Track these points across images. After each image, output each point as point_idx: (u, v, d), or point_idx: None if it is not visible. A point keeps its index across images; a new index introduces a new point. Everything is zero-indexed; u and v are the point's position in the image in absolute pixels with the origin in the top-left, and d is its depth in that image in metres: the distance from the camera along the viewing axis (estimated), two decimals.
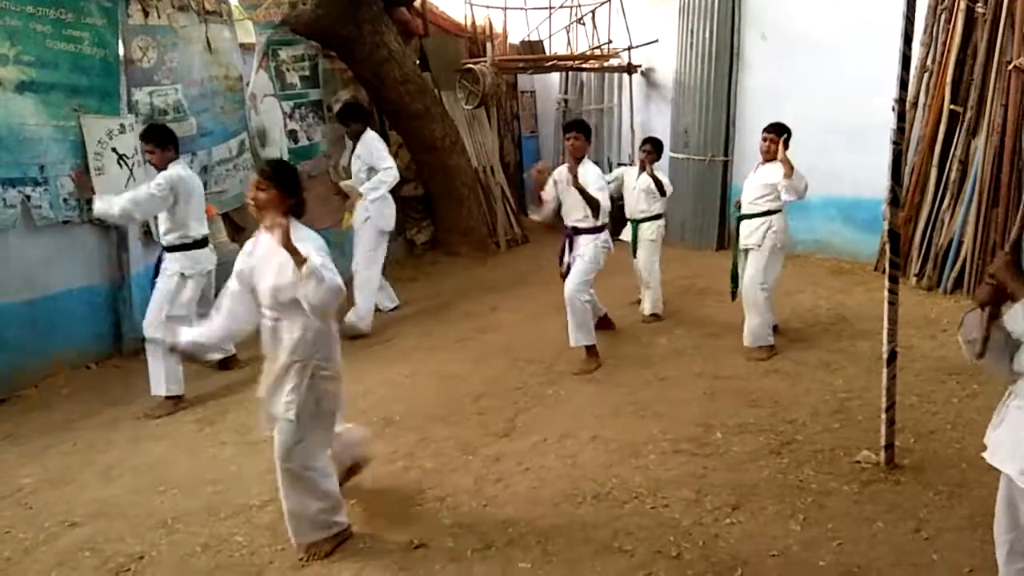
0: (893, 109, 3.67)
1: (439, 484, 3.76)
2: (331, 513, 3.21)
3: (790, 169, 5.12)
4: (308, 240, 3.02)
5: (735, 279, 5.67)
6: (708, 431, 4.21)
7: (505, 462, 3.96)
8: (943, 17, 6.86)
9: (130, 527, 3.47)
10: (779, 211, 5.38)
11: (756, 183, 5.46)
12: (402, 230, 9.19)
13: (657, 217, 6.37)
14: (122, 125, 5.67)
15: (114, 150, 5.60)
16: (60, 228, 5.36)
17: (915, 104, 7.11)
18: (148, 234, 6.05)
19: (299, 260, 2.86)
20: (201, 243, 5.08)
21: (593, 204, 5.12)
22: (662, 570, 2.95)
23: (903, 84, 3.64)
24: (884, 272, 7.34)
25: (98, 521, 3.53)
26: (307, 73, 7.86)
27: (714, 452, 3.97)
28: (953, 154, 6.73)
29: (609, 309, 6.11)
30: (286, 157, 7.50)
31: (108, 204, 4.74)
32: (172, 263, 4.96)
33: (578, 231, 5.33)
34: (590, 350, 5.34)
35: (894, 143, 3.69)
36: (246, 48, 7.17)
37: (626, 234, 6.49)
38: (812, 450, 3.92)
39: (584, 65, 9.99)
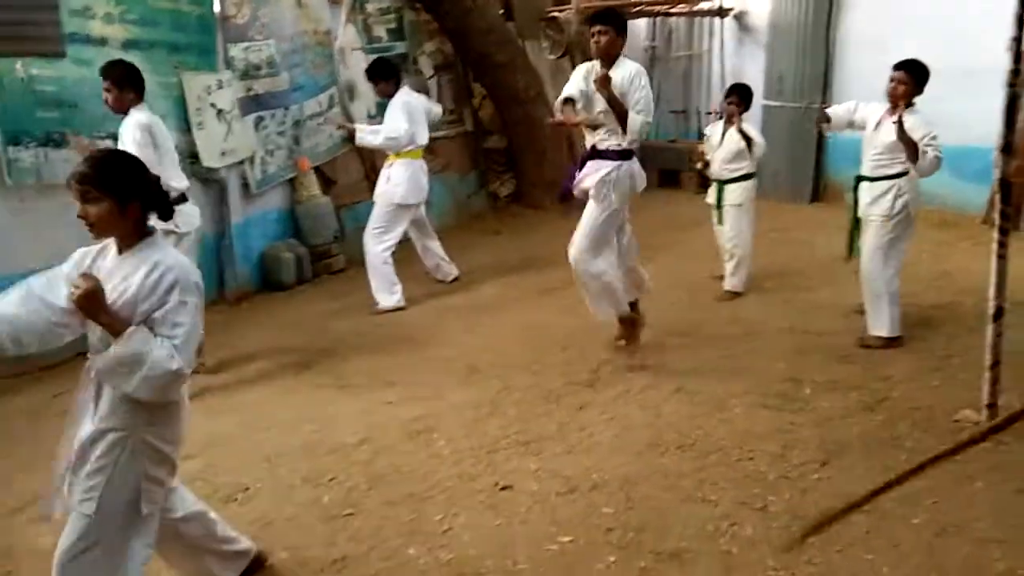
0: (1008, 49, 3.41)
1: (523, 430, 3.84)
2: None
3: (914, 150, 4.21)
4: (167, 270, 2.10)
5: (853, 241, 4.77)
6: (797, 386, 4.13)
7: (589, 411, 4.00)
8: None
9: (237, 461, 3.70)
10: (908, 172, 4.43)
11: (882, 138, 4.42)
12: (485, 183, 9.25)
13: (746, 177, 5.61)
14: (219, 81, 5.88)
15: (212, 105, 5.82)
16: None
17: None
18: (246, 186, 6.31)
19: (114, 331, 2.05)
20: (180, 199, 4.33)
21: (622, 116, 4.05)
22: (747, 521, 2.95)
23: (1020, 21, 3.38)
24: (993, 225, 6.99)
25: (208, 454, 3.78)
26: (393, 26, 7.91)
27: (802, 408, 3.90)
28: None
29: (681, 281, 5.88)
30: (373, 111, 7.60)
31: None
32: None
33: (596, 153, 4.22)
34: (624, 321, 4.43)
35: (1009, 86, 3.44)
36: (334, 2, 7.26)
37: (710, 197, 5.83)
38: (908, 408, 3.80)
39: (673, 9, 9.66)
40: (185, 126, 5.69)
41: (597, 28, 4.14)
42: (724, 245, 5.77)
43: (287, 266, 6.59)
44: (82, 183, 2.10)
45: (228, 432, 4.00)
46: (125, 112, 4.26)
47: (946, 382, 4.07)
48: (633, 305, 4.71)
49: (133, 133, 4.16)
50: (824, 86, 8.58)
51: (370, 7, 7.63)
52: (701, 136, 5.69)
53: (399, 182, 5.86)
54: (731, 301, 5.65)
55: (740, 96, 5.61)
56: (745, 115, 5.61)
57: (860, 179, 4.64)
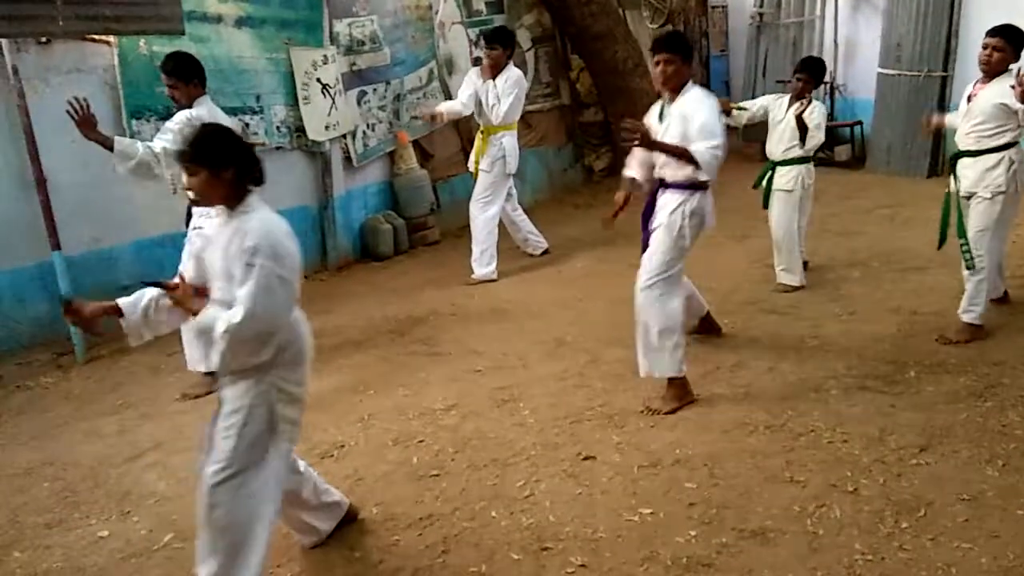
0: None
1: (608, 403, 3.85)
2: None
3: None
4: (251, 235, 2.27)
5: (944, 229, 4.42)
6: (900, 369, 3.95)
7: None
8: None
9: (333, 420, 3.89)
10: (1016, 143, 4.06)
11: (982, 106, 4.08)
12: (580, 156, 9.20)
13: (802, 160, 5.08)
14: (325, 56, 6.08)
15: (318, 80, 6.03)
16: (274, 153, 5.90)
17: None
18: (348, 159, 6.52)
19: (192, 311, 2.34)
20: None
21: (685, 156, 3.49)
22: (836, 503, 2.86)
23: None
24: None
25: (306, 413, 3.97)
26: None
27: (905, 391, 3.73)
28: None
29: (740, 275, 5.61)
30: None
31: (131, 148, 3.95)
32: (202, 221, 3.83)
33: (665, 184, 3.73)
34: (673, 382, 3.74)
35: None
36: None
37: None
38: (1020, 395, 3.57)
39: None
40: (292, 100, 5.93)
41: (663, 57, 3.57)
42: (772, 232, 5.25)
43: (385, 237, 6.80)
44: (181, 159, 2.34)
45: (326, 393, 4.19)
46: (191, 106, 4.03)
47: None
48: (708, 322, 4.52)
49: (174, 122, 3.97)
50: (946, 53, 8.03)
51: None
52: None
53: (509, 152, 5.96)
54: (837, 277, 5.41)
55: (811, 72, 5.07)
56: (813, 92, 5.14)
57: (959, 155, 4.29)
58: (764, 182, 5.27)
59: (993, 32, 4.10)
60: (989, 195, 4.14)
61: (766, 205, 5.28)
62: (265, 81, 5.73)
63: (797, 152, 5.06)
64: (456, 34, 7.61)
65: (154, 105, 5.05)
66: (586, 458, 3.32)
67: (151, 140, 4.08)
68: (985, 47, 4.12)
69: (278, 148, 5.94)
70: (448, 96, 7.47)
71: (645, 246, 3.79)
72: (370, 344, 4.94)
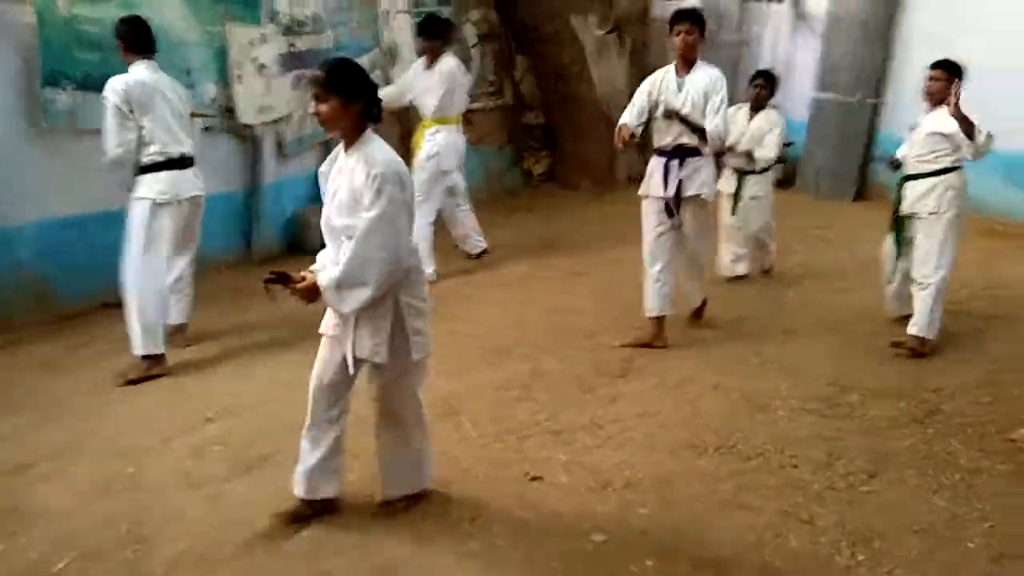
0: None
1: (553, 418, 3.70)
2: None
3: (970, 126, 4.04)
4: (377, 163, 2.46)
5: (897, 255, 4.57)
6: (843, 392, 3.95)
7: (621, 403, 3.85)
8: None
9: (256, 429, 3.60)
10: (958, 168, 4.32)
11: (926, 134, 4.33)
12: (520, 159, 9.06)
13: (766, 169, 5.48)
14: (263, 35, 5.74)
15: (254, 60, 5.68)
16: (201, 133, 5.50)
17: None
18: (280, 145, 6.18)
19: (311, 300, 2.58)
20: (177, 162, 4.16)
21: (699, 131, 4.11)
22: (792, 533, 2.79)
23: None
24: None
25: (230, 419, 3.68)
26: None
27: (849, 414, 3.72)
28: None
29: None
30: None
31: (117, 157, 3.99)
32: (139, 187, 4.08)
33: (686, 151, 4.20)
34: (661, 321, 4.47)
35: None
36: None
37: (725, 185, 5.46)
38: (960, 423, 3.61)
39: None
40: (224, 79, 5.55)
41: (684, 27, 4.12)
42: (745, 236, 5.63)
43: (316, 231, 6.44)
44: (316, 84, 2.51)
45: (249, 399, 3.90)
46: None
47: (999, 399, 3.86)
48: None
49: (103, 95, 3.95)
50: (880, 80, 8.27)
51: None
52: None
53: (442, 148, 5.69)
54: (773, 296, 5.45)
55: (766, 80, 5.46)
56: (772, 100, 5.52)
57: (906, 179, 4.50)
58: (733, 190, 5.49)
59: (937, 65, 4.32)
60: (930, 215, 4.34)
61: (734, 213, 5.49)
62: (197, 55, 5.33)
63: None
64: (401, 23, 7.34)
65: (72, 73, 4.61)
66: (534, 479, 3.16)
67: (64, 109, 3.75)
68: (930, 79, 4.33)
69: (206, 129, 5.54)
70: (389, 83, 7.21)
71: (668, 210, 4.31)
72: (294, 345, 4.62)
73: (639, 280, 4.55)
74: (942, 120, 4.21)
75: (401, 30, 7.35)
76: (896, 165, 4.69)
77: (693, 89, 4.18)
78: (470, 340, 4.66)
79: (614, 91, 9.30)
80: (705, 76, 4.21)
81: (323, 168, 2.70)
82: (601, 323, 4.89)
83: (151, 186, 4.08)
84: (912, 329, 4.39)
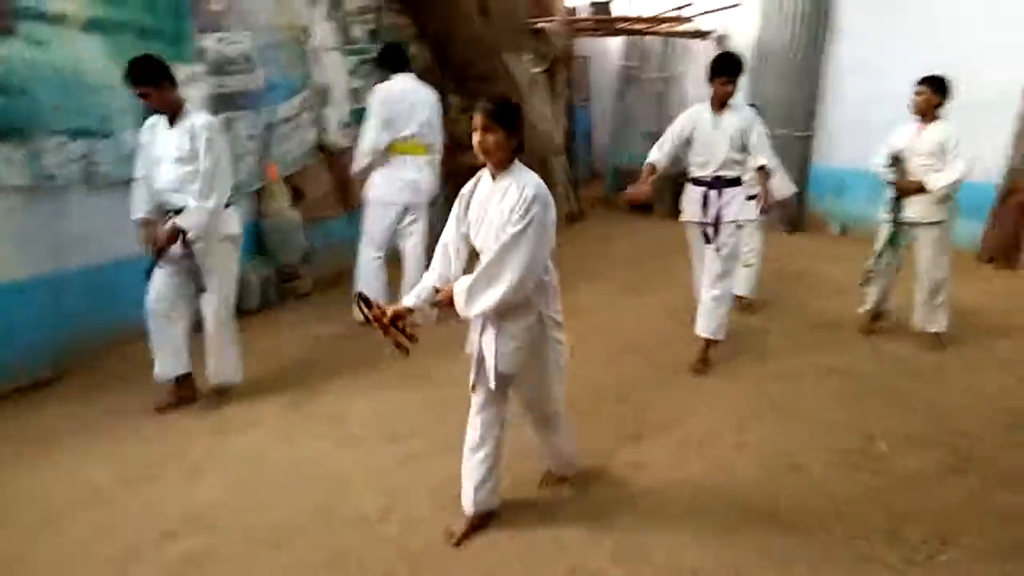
0: None
1: (581, 494, 3.28)
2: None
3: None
4: (528, 186, 2.68)
5: (881, 263, 4.97)
6: (868, 442, 3.72)
7: (649, 471, 3.47)
8: None
9: (233, 539, 3.00)
10: None
11: (927, 146, 4.65)
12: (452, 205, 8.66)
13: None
14: (191, 75, 5.12)
15: None
16: (124, 187, 4.82)
17: None
18: None
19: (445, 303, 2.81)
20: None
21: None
22: None
23: None
24: (989, 261, 6.88)
25: (197, 531, 3.07)
26: (372, 27, 7.27)
27: (886, 468, 3.48)
28: None
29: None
30: (346, 120, 6.99)
31: (195, 217, 3.84)
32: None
33: (726, 182, 4.54)
34: (711, 345, 4.68)
35: None
36: None
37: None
38: (1000, 471, 3.42)
39: (659, 29, 9.35)
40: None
41: (725, 79, 4.41)
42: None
43: (252, 289, 5.85)
44: (487, 115, 2.68)
45: (216, 499, 3.29)
46: (180, 107, 3.86)
47: None
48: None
49: (207, 133, 3.83)
50: (810, 114, 8.40)
51: (348, 4, 6.98)
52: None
53: (375, 184, 5.34)
54: (756, 334, 5.24)
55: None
56: None
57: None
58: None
59: (924, 81, 4.72)
60: (938, 222, 4.74)
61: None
62: (116, 99, 4.69)
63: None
64: (332, 61, 6.86)
65: None
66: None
67: None
68: (918, 93, 4.72)
69: (129, 181, 4.86)
70: (321, 128, 6.71)
71: (706, 237, 4.59)
72: (259, 426, 4.03)
73: (613, 326, 4.25)
74: (942, 133, 4.63)
75: (333, 69, 6.87)
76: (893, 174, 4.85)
77: (731, 125, 4.50)
78: (456, 404, 4.20)
79: (548, 128, 9.12)
80: (742, 114, 4.55)
81: (464, 191, 2.91)
82: (595, 378, 4.52)
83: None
84: (932, 327, 4.90)
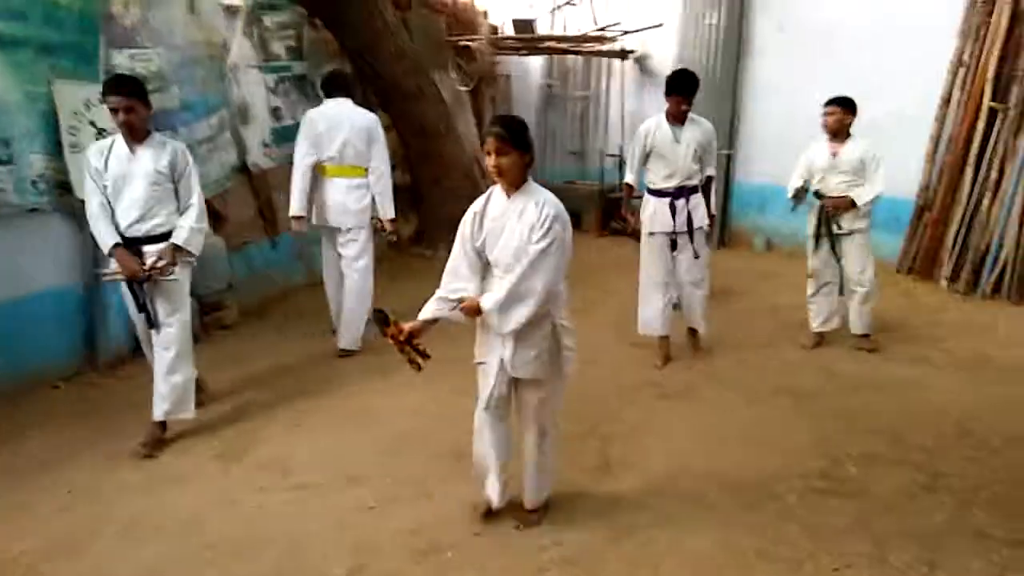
0: None
1: (559, 542, 3.09)
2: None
3: None
4: (547, 205, 2.82)
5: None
6: (836, 464, 3.70)
7: (626, 510, 3.32)
8: (983, 10, 6.59)
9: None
10: None
11: (847, 164, 4.98)
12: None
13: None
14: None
15: (92, 123, 4.61)
16: (28, 217, 4.37)
17: (948, 101, 6.86)
18: None
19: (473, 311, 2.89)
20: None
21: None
22: None
23: None
24: (908, 273, 7.14)
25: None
26: (292, 43, 6.94)
27: (859, 490, 3.46)
28: (993, 153, 6.49)
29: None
30: (268, 138, 6.64)
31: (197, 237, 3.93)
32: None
33: (690, 190, 4.83)
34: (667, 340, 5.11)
35: None
36: (229, 11, 6.21)
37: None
38: (969, 486, 3.46)
39: (583, 48, 9.36)
40: (55, 148, 4.45)
41: (680, 98, 4.67)
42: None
43: None
44: (499, 139, 2.77)
45: (157, 567, 2.93)
46: (146, 132, 3.76)
47: (984, 451, 3.78)
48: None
49: (187, 157, 3.87)
50: (730, 133, 8.57)
51: (267, 20, 6.63)
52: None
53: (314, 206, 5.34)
54: (699, 355, 5.22)
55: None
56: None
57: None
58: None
59: (833, 101, 5.01)
60: (861, 230, 5.06)
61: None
62: (18, 122, 4.22)
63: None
64: (251, 79, 6.48)
65: None
66: None
67: None
68: (829, 113, 5.01)
69: (34, 210, 4.40)
70: (241, 149, 6.33)
71: (673, 244, 4.87)
72: (194, 480, 3.65)
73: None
74: (858, 150, 4.97)
75: (252, 86, 6.49)
76: (799, 197, 5.15)
77: (692, 138, 4.76)
78: (425, 448, 3.95)
79: (474, 147, 8.96)
80: (701, 128, 4.84)
81: (474, 209, 2.95)
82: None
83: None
84: (859, 330, 5.22)
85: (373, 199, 5.32)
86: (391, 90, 7.54)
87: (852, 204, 4.97)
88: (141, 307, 3.78)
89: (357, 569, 2.93)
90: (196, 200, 3.84)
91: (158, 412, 3.90)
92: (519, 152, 2.80)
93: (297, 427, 4.20)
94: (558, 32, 9.71)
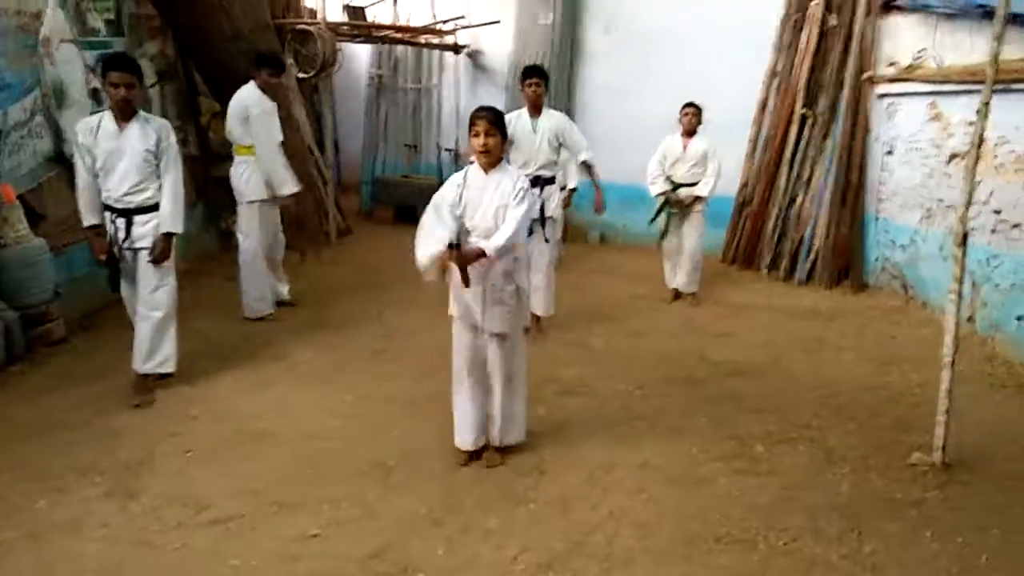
0: None
1: (538, 548, 3.03)
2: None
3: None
4: (520, 179, 3.46)
5: (667, 229, 6.47)
6: (742, 444, 3.98)
7: (577, 511, 3.32)
8: (795, 27, 7.38)
9: None
10: None
11: (693, 156, 6.18)
12: (215, 218, 7.70)
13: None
14: None
15: None
16: None
17: (764, 106, 7.62)
18: None
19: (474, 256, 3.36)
20: None
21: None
22: None
23: None
24: (732, 263, 7.83)
25: None
26: (111, 17, 6.12)
27: (774, 468, 3.73)
28: (804, 154, 7.30)
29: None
30: None
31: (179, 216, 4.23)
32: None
33: (545, 181, 5.29)
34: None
35: None
36: None
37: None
38: (858, 456, 3.85)
39: (417, 39, 9.17)
40: None
41: (534, 80, 5.16)
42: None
43: None
44: (489, 123, 3.37)
45: None
46: (134, 109, 4.11)
47: (858, 423, 4.22)
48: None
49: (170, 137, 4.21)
50: None
51: None
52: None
53: (239, 181, 5.82)
54: (584, 345, 5.41)
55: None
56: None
57: (678, 186, 6.31)
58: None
59: (690, 104, 6.15)
60: (700, 211, 6.29)
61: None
62: None
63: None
64: (68, 55, 5.62)
65: None
66: None
67: None
68: (687, 114, 6.12)
69: None
70: (58, 135, 5.48)
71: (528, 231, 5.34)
72: (94, 525, 3.13)
73: (444, 349, 4.04)
74: (703, 145, 6.17)
75: (68, 64, 5.63)
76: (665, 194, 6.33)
77: (547, 128, 5.24)
78: (336, 461, 3.67)
79: (309, 139, 8.48)
80: (556, 118, 5.32)
81: (454, 181, 3.49)
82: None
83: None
84: (694, 289, 6.48)
85: None
86: (221, 73, 6.90)
87: (698, 198, 6.24)
88: (112, 283, 4.28)
89: None
90: (173, 176, 4.16)
91: (148, 367, 4.28)
92: (502, 135, 3.41)
93: (188, 454, 3.73)
94: (391, 22, 9.43)
